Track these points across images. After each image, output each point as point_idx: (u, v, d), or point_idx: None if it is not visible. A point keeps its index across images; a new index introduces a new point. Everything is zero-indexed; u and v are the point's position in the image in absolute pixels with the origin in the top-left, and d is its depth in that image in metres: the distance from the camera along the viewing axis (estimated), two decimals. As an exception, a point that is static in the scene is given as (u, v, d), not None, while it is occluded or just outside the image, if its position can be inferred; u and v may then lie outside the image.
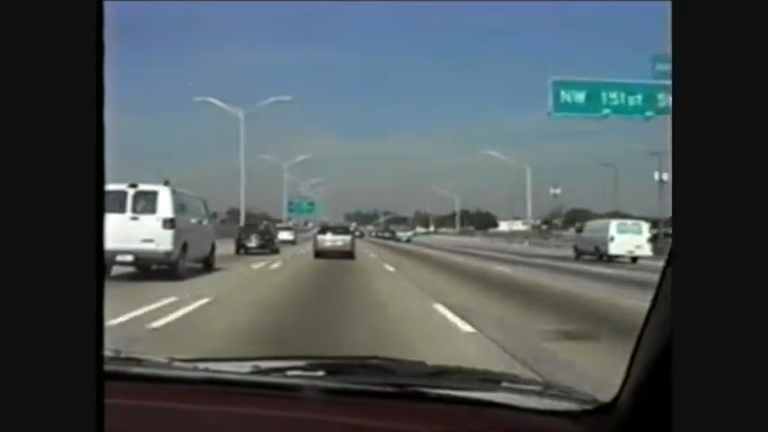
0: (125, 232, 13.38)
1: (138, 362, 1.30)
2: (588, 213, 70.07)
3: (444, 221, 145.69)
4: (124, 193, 14.06)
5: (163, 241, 13.97)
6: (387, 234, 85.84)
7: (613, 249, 26.95)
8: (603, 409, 1.05)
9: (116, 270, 13.89)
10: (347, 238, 26.62)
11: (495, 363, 5.49)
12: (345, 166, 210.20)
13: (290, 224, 58.36)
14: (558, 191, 63.71)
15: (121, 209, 13.83)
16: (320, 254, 25.00)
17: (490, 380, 1.34)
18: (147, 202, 14.21)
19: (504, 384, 1.32)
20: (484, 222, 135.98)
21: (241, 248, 28.60)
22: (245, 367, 1.26)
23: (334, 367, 1.33)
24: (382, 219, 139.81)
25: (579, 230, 32.10)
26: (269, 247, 29.43)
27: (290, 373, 1.25)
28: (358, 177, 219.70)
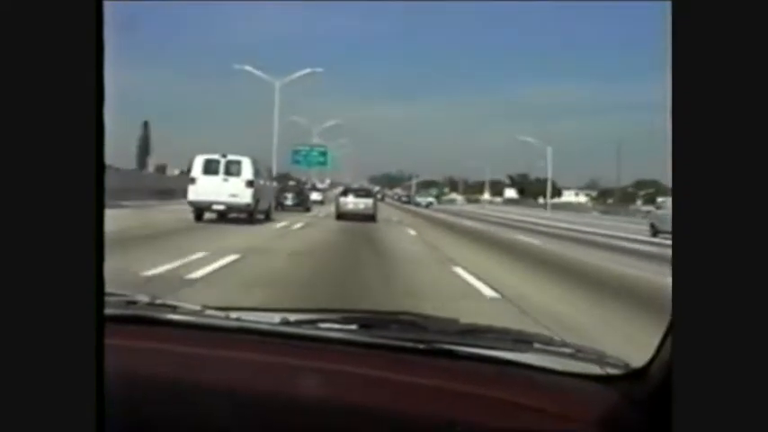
0: (218, 189, 19.35)
1: (173, 308, 1.33)
2: (656, 184, 65.48)
3: (490, 187, 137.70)
4: (218, 161, 19.86)
5: (245, 196, 19.65)
6: (404, 198, 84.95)
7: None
8: (636, 375, 1.03)
9: (207, 215, 19.87)
10: (369, 201, 26.01)
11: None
12: (373, 123, 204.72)
13: (292, 183, 55.18)
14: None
15: (216, 172, 19.58)
16: (342, 216, 24.54)
17: (522, 340, 1.31)
18: (234, 168, 19.76)
19: (537, 346, 1.29)
20: (543, 191, 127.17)
21: (279, 206, 31.20)
22: (277, 318, 1.28)
23: (366, 321, 1.34)
24: (413, 181, 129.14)
25: (658, 207, 29.80)
26: (303, 205, 33.63)
27: (321, 325, 1.27)
28: (386, 136, 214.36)
